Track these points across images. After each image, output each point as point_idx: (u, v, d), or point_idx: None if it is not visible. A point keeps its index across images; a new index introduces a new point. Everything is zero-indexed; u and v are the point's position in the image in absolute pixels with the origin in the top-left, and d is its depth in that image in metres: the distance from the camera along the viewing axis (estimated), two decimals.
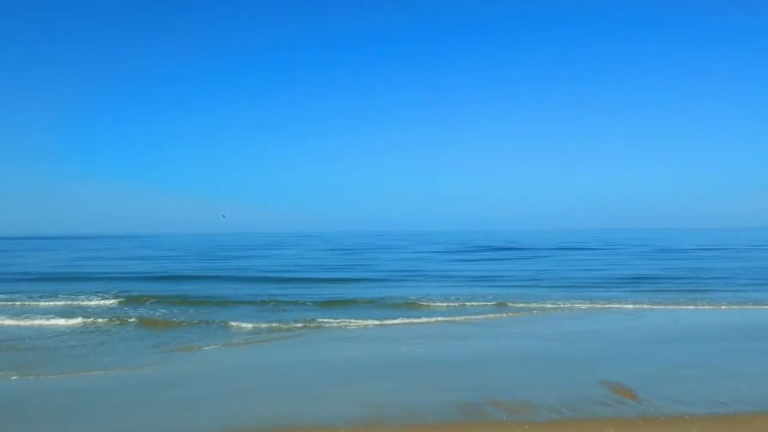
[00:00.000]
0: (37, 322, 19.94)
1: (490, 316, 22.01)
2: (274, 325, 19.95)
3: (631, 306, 24.03)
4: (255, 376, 13.15)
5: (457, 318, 21.43)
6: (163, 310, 23.30)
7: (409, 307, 24.17)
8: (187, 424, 9.60)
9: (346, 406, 10.37)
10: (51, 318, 20.54)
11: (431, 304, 25.03)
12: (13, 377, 12.87)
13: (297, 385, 12.03)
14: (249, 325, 19.65)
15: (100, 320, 20.61)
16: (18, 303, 24.91)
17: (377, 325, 20.11)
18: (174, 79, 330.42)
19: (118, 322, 20.43)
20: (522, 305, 24.11)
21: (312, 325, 20.01)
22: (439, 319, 21.26)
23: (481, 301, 25.50)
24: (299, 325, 19.96)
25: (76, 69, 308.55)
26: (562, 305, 24.31)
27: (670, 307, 24.01)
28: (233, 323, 20.08)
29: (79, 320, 20.16)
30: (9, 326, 19.59)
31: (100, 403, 10.81)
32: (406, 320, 20.87)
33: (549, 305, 24.35)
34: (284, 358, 15.40)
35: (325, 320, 20.75)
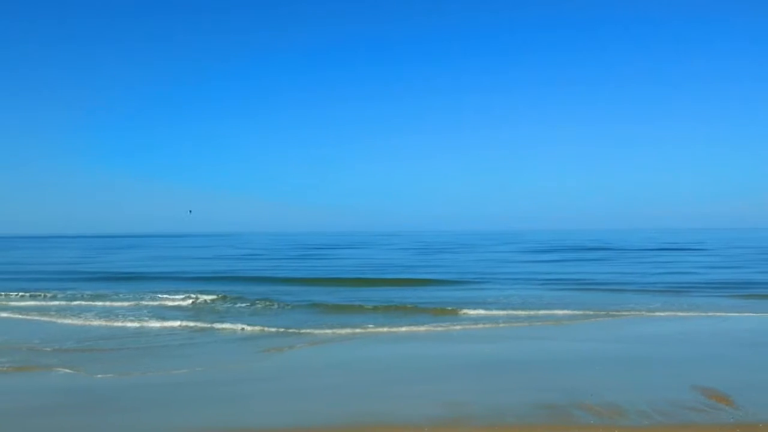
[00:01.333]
0: (129, 324, 20.84)
1: (571, 317, 21.47)
2: (350, 326, 20.12)
3: (719, 312, 22.84)
4: (338, 373, 13.34)
5: (535, 321, 21.02)
6: (251, 310, 23.96)
7: (486, 307, 23.87)
8: (273, 418, 9.84)
9: (427, 404, 10.37)
10: (145, 320, 21.43)
11: (507, 305, 24.65)
12: (109, 375, 13.56)
13: (378, 383, 12.15)
14: (328, 327, 19.90)
15: (191, 323, 21.40)
16: (108, 303, 26.16)
17: (456, 326, 19.97)
18: (231, 77, 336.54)
19: (207, 321, 21.17)
20: (605, 309, 23.36)
21: (387, 325, 20.10)
22: (518, 321, 20.91)
23: (562, 304, 24.90)
24: (373, 326, 20.07)
25: (137, 68, 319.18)
26: (648, 308, 23.42)
27: (762, 314, 22.71)
28: (318, 324, 20.41)
29: (176, 322, 20.90)
30: (100, 326, 20.63)
31: (190, 396, 11.25)
32: (483, 323, 20.62)
33: (633, 307, 23.51)
34: (363, 356, 15.56)
35: (399, 319, 20.88)
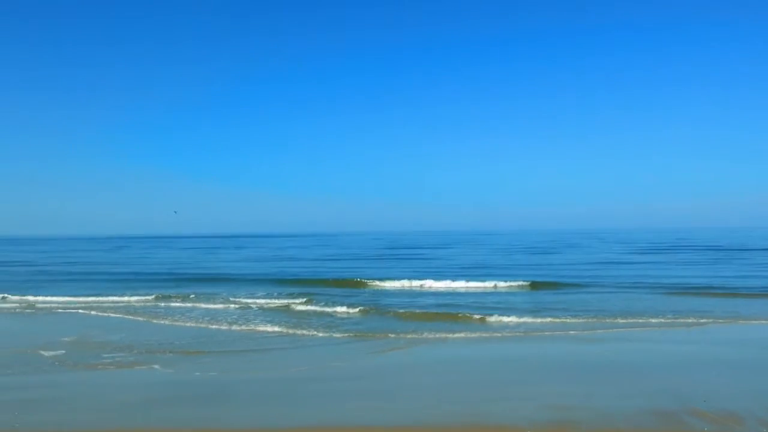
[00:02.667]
0: (236, 328, 21.76)
1: (683, 321, 20.59)
2: (455, 328, 20.19)
3: None
4: (438, 374, 13.46)
5: (644, 325, 20.30)
6: (348, 313, 24.45)
7: (596, 311, 23.30)
8: (380, 414, 10.09)
9: (530, 406, 10.31)
10: (252, 324, 22.31)
11: (616, 309, 23.94)
12: (222, 372, 14.31)
13: (480, 383, 12.18)
14: (437, 328, 20.05)
15: (289, 327, 22.10)
16: (219, 305, 27.37)
17: (563, 327, 19.65)
18: (309, 79, 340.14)
19: (305, 326, 21.83)
20: (721, 315, 22.23)
21: (492, 324, 20.04)
22: (625, 323, 20.29)
23: (673, 311, 23.93)
24: (478, 329, 20.04)
25: (213, 66, 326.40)
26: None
27: None
28: (419, 326, 20.68)
29: (275, 327, 21.67)
30: (206, 328, 21.65)
31: (305, 393, 11.71)
32: (590, 325, 20.16)
33: (756, 314, 22.26)
34: (468, 355, 15.60)
35: (507, 319, 20.79)
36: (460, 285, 33.56)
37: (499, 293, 30.30)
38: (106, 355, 15.55)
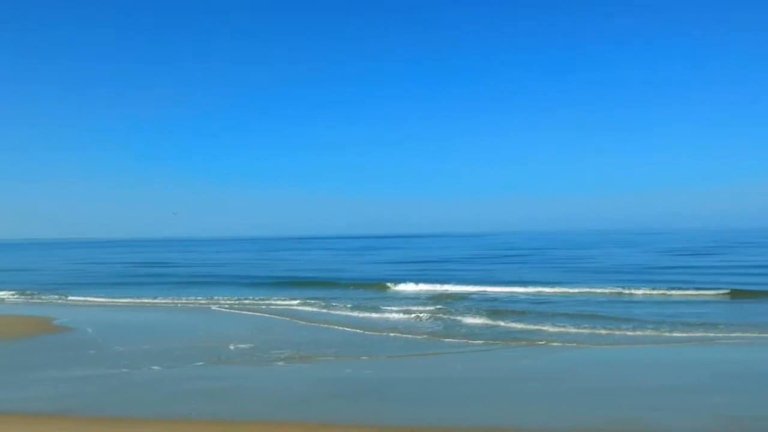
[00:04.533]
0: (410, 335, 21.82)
1: None
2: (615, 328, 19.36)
3: None
4: (599, 376, 13.22)
5: None
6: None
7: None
8: (538, 417, 10.11)
9: (697, 416, 9.86)
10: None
11: None
12: (388, 371, 14.62)
13: (644, 388, 11.82)
14: (585, 329, 19.44)
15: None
16: (380, 314, 27.71)
17: (717, 333, 18.21)
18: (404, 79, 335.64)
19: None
20: None
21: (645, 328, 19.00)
22: None
23: None
24: (631, 329, 19.09)
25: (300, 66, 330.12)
26: None
27: None
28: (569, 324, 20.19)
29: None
30: (375, 335, 21.98)
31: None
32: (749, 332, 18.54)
33: None
34: (631, 360, 15.12)
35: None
36: (656, 292, 30.23)
37: (702, 302, 27.21)
38: (274, 351, 16.50)
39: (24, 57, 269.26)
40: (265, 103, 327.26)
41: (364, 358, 15.66)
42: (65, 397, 11.79)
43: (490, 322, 21.68)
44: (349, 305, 27.23)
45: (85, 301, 31.76)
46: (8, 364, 15.31)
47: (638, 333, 18.59)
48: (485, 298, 29.23)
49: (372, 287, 36.44)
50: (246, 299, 30.39)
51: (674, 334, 18.16)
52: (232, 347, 17.09)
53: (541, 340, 17.83)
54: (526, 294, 31.10)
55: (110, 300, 31.51)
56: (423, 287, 34.64)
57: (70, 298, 32.95)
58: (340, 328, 20.90)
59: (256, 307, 27.65)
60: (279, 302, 29.09)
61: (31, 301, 32.66)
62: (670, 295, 29.39)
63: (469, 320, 22.08)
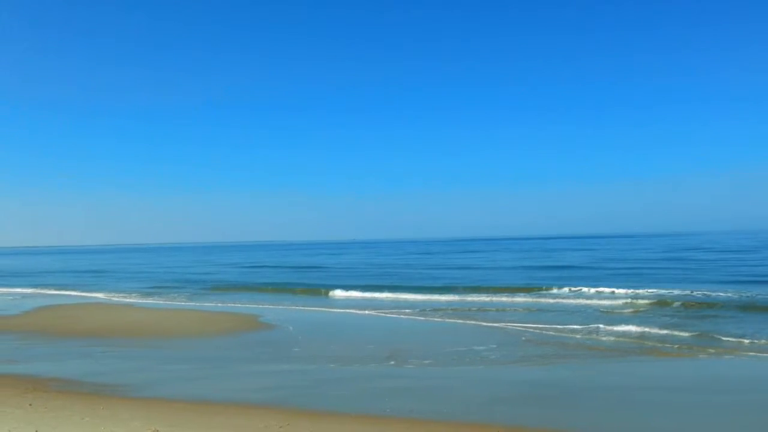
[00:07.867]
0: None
1: None
2: None
3: None
4: None
5: None
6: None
7: None
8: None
9: None
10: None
11: None
12: (575, 377, 13.64)
13: None
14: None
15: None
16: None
17: None
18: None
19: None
20: None
21: None
22: None
23: None
24: None
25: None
26: None
27: None
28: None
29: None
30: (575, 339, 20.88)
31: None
32: None
33: None
34: None
35: None
36: None
37: None
38: (478, 348, 16.56)
39: None
40: None
41: (559, 358, 14.98)
42: (268, 389, 12.34)
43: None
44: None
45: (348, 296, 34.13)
46: (219, 357, 16.53)
47: None
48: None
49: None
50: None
51: None
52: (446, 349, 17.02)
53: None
54: None
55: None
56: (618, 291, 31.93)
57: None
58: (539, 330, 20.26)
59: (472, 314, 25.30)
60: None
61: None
62: None
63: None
